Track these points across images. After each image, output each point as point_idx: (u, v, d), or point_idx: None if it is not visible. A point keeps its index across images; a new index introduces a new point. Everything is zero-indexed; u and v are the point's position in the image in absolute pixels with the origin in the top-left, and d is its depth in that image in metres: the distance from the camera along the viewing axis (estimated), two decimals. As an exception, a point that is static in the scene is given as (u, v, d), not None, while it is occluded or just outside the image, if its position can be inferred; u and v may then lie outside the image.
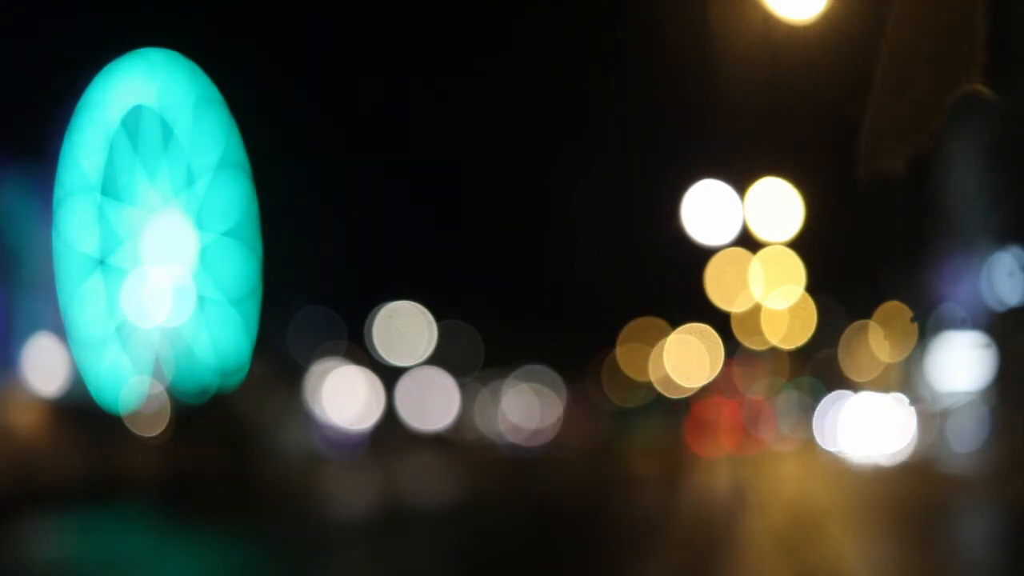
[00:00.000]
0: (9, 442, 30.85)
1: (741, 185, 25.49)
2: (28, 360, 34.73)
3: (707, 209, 26.33)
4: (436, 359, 53.16)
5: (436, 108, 50.66)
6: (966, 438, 28.91)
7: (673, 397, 56.10)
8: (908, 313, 32.94)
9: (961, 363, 28.90)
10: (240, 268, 41.32)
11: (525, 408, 58.64)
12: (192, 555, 16.28)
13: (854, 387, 41.78)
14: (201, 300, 40.59)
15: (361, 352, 50.13)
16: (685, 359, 53.54)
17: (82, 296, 37.99)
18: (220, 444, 36.17)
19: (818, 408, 46.63)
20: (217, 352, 40.52)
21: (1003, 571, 12.66)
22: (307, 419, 44.56)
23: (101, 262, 38.79)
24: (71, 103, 38.50)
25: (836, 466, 38.37)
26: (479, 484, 33.17)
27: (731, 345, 46.48)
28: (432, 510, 24.20)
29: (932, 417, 29.93)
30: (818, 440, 45.28)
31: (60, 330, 36.80)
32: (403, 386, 52.58)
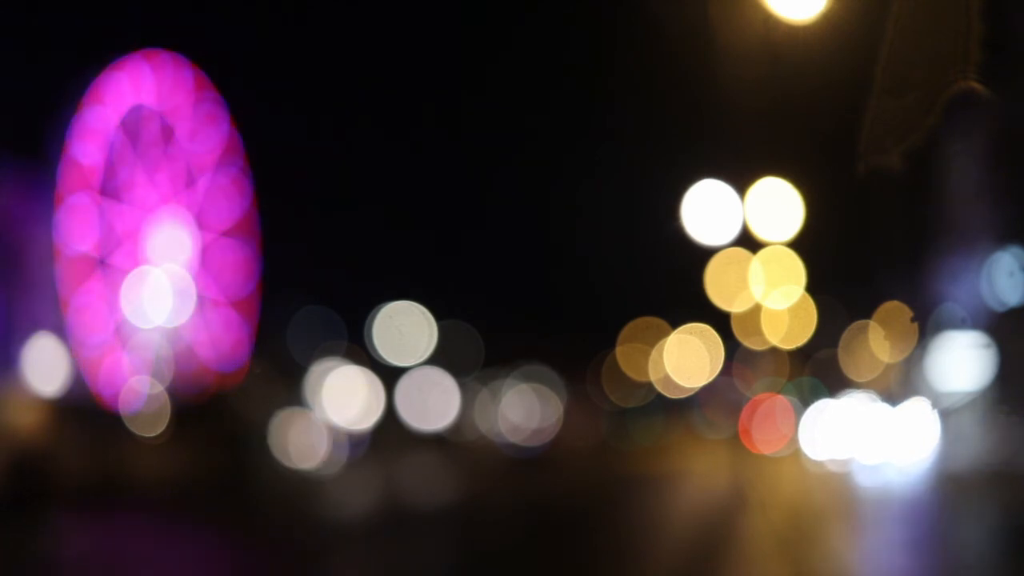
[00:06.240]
0: (10, 442, 30.85)
1: (741, 185, 25.50)
2: (29, 360, 34.73)
3: (707, 209, 26.34)
4: (436, 359, 53.17)
5: (437, 110, 50.77)
6: (966, 439, 28.88)
7: (674, 397, 56.07)
8: (908, 313, 32.93)
9: (961, 363, 28.90)
10: (240, 268, 41.35)
11: (525, 408, 58.62)
12: (192, 554, 16.29)
13: (850, 387, 41.72)
14: (201, 300, 40.61)
15: (361, 352, 50.13)
16: (685, 359, 53.51)
17: (82, 296, 38.02)
18: (220, 444, 36.17)
19: (807, 415, 46.32)
20: (217, 352, 40.54)
21: (1004, 574, 12.67)
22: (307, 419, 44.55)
23: (101, 262, 38.81)
24: (71, 103, 38.55)
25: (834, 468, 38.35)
26: (479, 484, 33.17)
27: (731, 345, 46.46)
28: (432, 510, 24.20)
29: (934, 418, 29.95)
30: (805, 449, 45.04)
31: (60, 330, 36.81)
32: (403, 386, 52.57)
